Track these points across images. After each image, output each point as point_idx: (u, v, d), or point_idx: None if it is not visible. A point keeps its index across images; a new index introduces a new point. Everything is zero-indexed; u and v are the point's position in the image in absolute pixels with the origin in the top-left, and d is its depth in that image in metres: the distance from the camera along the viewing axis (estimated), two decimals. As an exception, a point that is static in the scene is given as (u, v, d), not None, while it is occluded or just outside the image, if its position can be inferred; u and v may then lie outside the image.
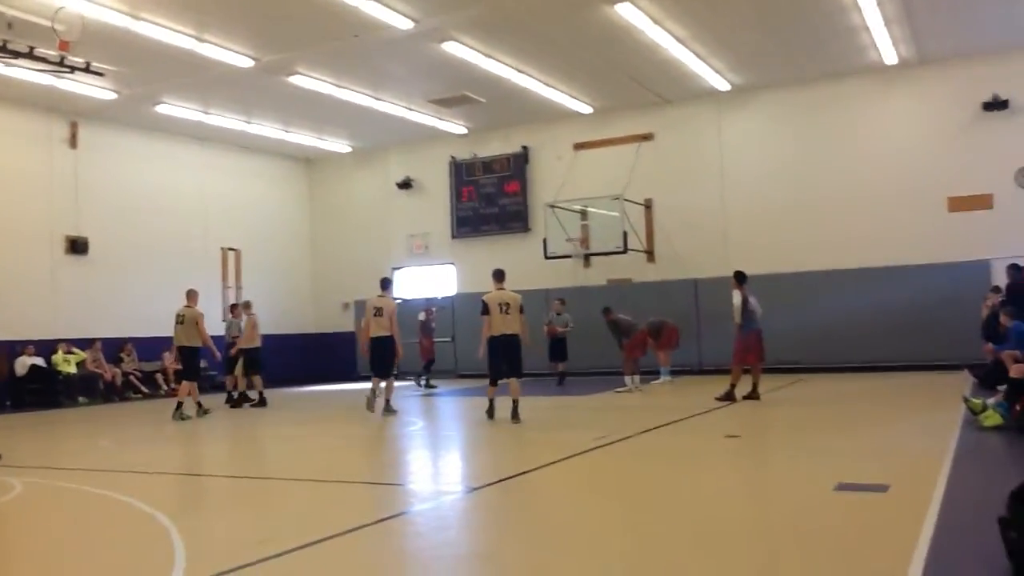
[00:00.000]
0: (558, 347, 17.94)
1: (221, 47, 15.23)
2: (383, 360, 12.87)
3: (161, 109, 18.85)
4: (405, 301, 23.02)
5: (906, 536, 4.53)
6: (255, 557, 4.69)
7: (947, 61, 17.70)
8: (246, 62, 15.90)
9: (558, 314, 17.96)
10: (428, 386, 18.16)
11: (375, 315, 12.87)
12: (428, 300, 20.30)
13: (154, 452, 10.29)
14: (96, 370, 18.26)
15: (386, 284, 13.66)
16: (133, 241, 19.99)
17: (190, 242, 21.28)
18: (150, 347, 19.66)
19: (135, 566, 4.85)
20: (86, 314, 18.81)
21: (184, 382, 13.94)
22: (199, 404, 13.94)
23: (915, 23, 15.73)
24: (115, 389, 18.46)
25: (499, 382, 11.62)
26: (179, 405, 13.52)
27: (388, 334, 12.79)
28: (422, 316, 18.64)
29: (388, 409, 12.82)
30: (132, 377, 18.99)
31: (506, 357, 11.36)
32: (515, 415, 11.10)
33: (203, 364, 16.81)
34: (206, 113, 19.52)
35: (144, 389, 18.98)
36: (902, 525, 4.86)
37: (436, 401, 15.77)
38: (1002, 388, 9.19)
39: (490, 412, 11.52)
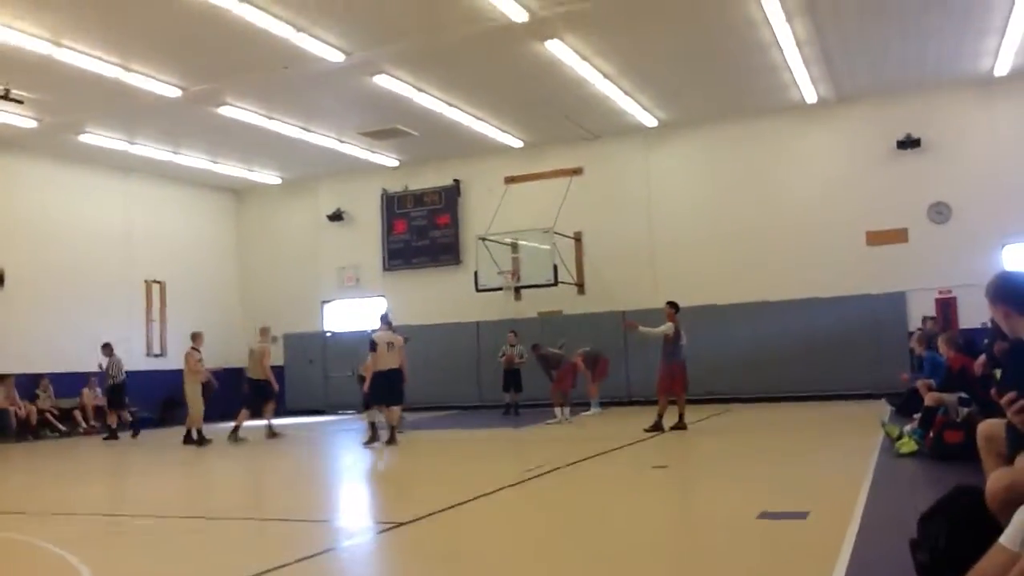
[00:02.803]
0: (512, 378, 17.98)
1: (148, 76, 14.98)
2: (395, 390, 13.29)
3: (85, 139, 18.41)
4: (335, 334, 22.85)
5: (824, 561, 4.63)
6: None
7: (863, 100, 18.40)
8: (173, 92, 15.67)
9: (512, 345, 18.03)
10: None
11: (388, 349, 13.23)
12: None
13: (68, 492, 9.93)
14: (8, 406, 17.55)
15: (387, 318, 14.15)
16: (53, 273, 19.35)
17: (113, 274, 20.71)
18: (69, 383, 19.00)
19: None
20: (0, 348, 18.12)
21: (245, 409, 15.12)
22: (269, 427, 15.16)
23: (833, 63, 16.33)
24: (29, 427, 17.76)
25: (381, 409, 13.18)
26: (269, 426, 15.14)
27: (398, 366, 13.25)
28: None
29: (392, 439, 12.90)
30: (48, 415, 18.30)
31: (389, 387, 13.02)
32: (392, 439, 12.68)
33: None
34: (131, 143, 19.13)
35: (60, 427, 18.30)
36: (821, 550, 4.96)
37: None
38: (917, 416, 9.47)
39: (373, 434, 12.82)
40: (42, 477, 11.74)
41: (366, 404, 13.71)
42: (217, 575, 5.04)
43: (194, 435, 14.53)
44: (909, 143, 17.95)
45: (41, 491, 10.21)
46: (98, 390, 19.44)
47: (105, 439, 16.66)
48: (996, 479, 3.35)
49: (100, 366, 17.28)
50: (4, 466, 13.25)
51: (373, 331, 14.20)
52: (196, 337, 15.25)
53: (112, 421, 17.04)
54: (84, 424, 18.85)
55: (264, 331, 15.97)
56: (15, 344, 18.39)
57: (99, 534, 7.06)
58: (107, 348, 17.23)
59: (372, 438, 12.86)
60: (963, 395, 8.57)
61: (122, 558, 6.05)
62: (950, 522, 3.84)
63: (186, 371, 14.95)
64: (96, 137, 18.45)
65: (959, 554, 3.45)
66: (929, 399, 8.92)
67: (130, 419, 17.53)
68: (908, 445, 8.89)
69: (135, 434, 17.05)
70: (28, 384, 18.29)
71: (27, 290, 18.75)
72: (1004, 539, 3.01)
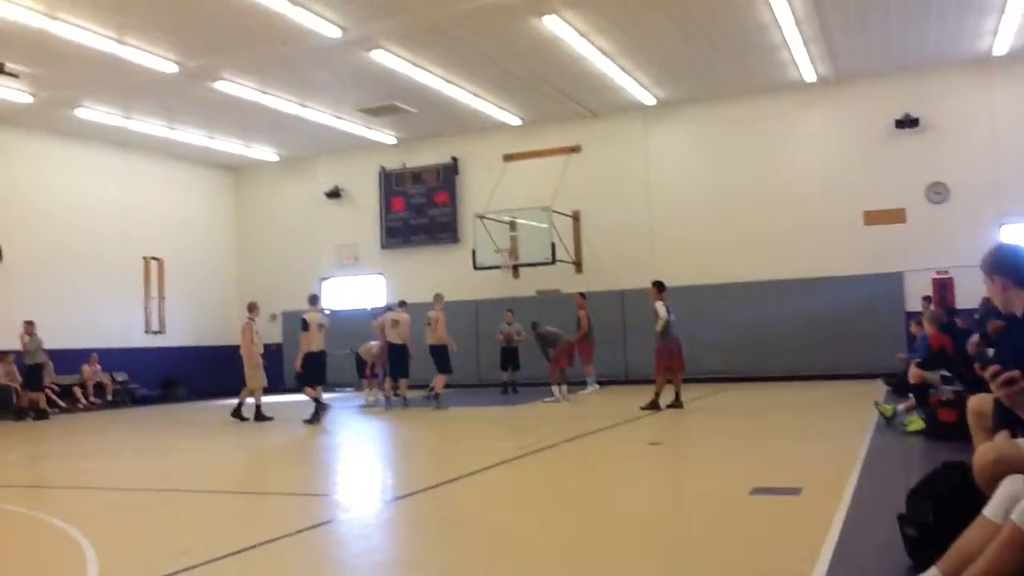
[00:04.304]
0: (510, 356, 18.02)
1: (143, 51, 14.92)
2: (404, 364, 15.52)
3: (81, 114, 18.34)
4: (333, 312, 22.86)
5: (815, 535, 4.69)
6: (173, 569, 4.61)
7: (862, 79, 18.34)
8: (170, 67, 15.61)
9: (509, 323, 18.07)
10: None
11: (392, 326, 15.40)
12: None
13: (68, 466, 10.01)
14: (10, 383, 17.59)
15: (404, 304, 16.63)
16: (50, 250, 19.35)
17: (111, 251, 20.73)
18: (68, 360, 19.03)
19: (45, 580, 4.73)
20: (-2, 325, 18.15)
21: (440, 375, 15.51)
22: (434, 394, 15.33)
23: (832, 42, 16.28)
24: (31, 404, 17.77)
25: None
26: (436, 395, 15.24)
27: (404, 342, 15.35)
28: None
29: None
30: (48, 391, 18.32)
31: (322, 368, 13.93)
32: (316, 417, 13.11)
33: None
34: (128, 119, 19.07)
35: (61, 403, 18.33)
36: (812, 525, 5.02)
37: (371, 413, 15.67)
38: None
39: (319, 414, 13.27)
40: (43, 451, 11.81)
41: (302, 383, 13.81)
42: (219, 543, 5.10)
43: (243, 411, 14.03)
44: (908, 123, 17.91)
45: (42, 465, 10.28)
46: (98, 366, 19.51)
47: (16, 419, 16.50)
48: (982, 454, 3.40)
49: (22, 342, 16.68)
50: (6, 441, 13.30)
51: (306, 311, 14.31)
52: (253, 308, 14.75)
53: (24, 402, 16.73)
54: (84, 400, 18.91)
55: (438, 298, 15.89)
56: (13, 321, 18.35)
57: (101, 508, 7.12)
58: (30, 325, 16.70)
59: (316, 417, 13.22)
60: (945, 373, 8.63)
61: (125, 528, 6.10)
62: (937, 497, 3.90)
63: (245, 342, 14.29)
64: (92, 112, 18.38)
65: (946, 528, 3.50)
66: (912, 376, 8.98)
67: (44, 403, 16.84)
68: (916, 423, 8.93)
69: (37, 417, 16.42)
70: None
71: (25, 267, 18.77)
72: (987, 511, 3.06)
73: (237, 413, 14.12)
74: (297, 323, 22.35)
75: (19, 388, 17.17)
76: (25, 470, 9.92)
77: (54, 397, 18.26)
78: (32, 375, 16.64)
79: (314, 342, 13.53)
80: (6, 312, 18.28)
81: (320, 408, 13.29)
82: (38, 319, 18.62)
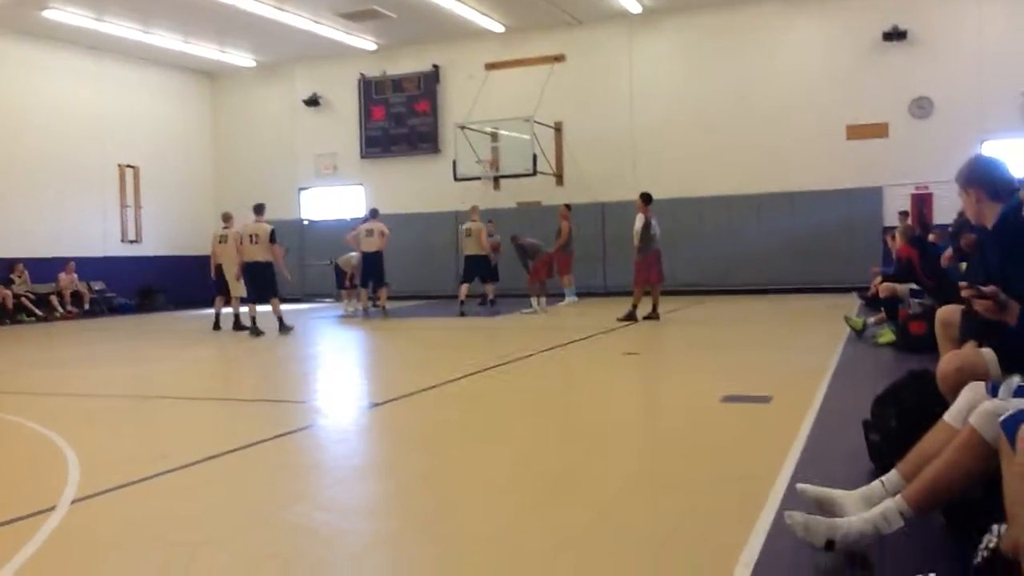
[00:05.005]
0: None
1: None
2: (380, 272, 15.65)
3: (50, 14, 17.73)
4: (312, 222, 22.75)
5: (782, 441, 4.81)
6: (152, 472, 4.68)
7: (851, -10, 18.04)
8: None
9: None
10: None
11: (367, 235, 15.40)
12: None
13: (47, 374, 10.04)
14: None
15: (375, 214, 16.19)
16: (22, 157, 18.95)
17: (85, 158, 20.34)
18: (44, 268, 18.91)
19: (27, 482, 4.78)
20: (-28, 233, 17.94)
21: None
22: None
23: (821, -50, 15.94)
24: (6, 311, 17.75)
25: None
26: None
27: (380, 250, 15.35)
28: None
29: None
30: (24, 299, 18.26)
31: (256, 281, 13.25)
32: (282, 327, 12.95)
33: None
34: (99, 20, 18.48)
35: (37, 311, 18.28)
36: (780, 431, 5.15)
37: (350, 323, 15.74)
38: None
39: (255, 328, 12.97)
40: (22, 358, 11.83)
41: (252, 299, 13.34)
42: (197, 448, 5.17)
43: (244, 321, 13.52)
44: (895, 35, 17.68)
45: (21, 372, 10.31)
46: (75, 275, 19.39)
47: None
48: (947, 361, 3.47)
49: None
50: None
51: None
52: (228, 217, 14.65)
53: None
54: (61, 309, 18.84)
55: (474, 209, 16.55)
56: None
57: (80, 414, 7.17)
58: None
59: (255, 331, 12.86)
60: (915, 287, 8.74)
61: (104, 434, 6.17)
62: (901, 404, 3.99)
63: (232, 253, 13.83)
64: (62, 14, 17.78)
65: (909, 434, 3.59)
66: (882, 290, 9.08)
67: None
68: (887, 336, 9.07)
69: None
70: (2, 269, 18.18)
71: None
72: (948, 416, 3.13)
73: (238, 325, 13.87)
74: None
75: None
76: (1, 376, 9.94)
77: (30, 305, 18.23)
78: None
79: (245, 253, 13.24)
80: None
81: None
82: (13, 226, 18.44)
